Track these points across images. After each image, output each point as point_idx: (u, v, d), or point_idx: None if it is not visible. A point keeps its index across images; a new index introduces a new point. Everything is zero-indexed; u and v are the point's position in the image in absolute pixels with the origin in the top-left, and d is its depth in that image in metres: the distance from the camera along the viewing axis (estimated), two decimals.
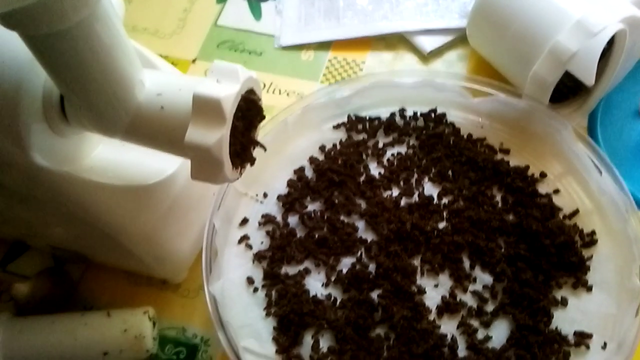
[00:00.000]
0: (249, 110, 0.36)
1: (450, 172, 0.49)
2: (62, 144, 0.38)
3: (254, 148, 0.38)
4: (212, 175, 0.34)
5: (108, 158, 0.41)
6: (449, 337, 0.41)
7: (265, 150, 0.38)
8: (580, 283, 0.43)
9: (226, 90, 0.33)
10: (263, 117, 0.37)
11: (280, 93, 0.58)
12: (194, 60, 0.61)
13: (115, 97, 0.34)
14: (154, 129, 0.35)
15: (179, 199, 0.42)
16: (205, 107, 0.33)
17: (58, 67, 0.32)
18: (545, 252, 0.43)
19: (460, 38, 0.59)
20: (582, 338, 0.41)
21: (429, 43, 0.59)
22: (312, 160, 0.51)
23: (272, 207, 0.48)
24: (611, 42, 0.47)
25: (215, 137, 0.33)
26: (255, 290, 0.44)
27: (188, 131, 0.33)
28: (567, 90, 0.52)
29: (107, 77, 0.33)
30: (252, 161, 0.38)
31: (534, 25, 0.48)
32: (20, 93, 0.34)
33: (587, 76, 0.46)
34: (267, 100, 0.57)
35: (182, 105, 0.34)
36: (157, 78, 0.36)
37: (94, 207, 0.39)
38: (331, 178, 0.49)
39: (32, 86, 0.35)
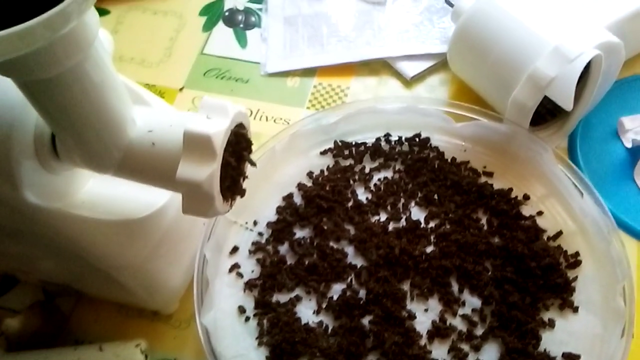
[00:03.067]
0: (239, 144, 0.37)
1: (436, 196, 0.50)
2: (53, 181, 0.38)
3: (243, 180, 0.39)
4: (203, 210, 0.35)
5: (99, 193, 0.41)
6: None
7: (255, 165, 0.39)
8: (567, 304, 0.44)
9: (216, 127, 0.34)
10: (251, 151, 0.38)
11: (267, 120, 0.59)
12: (181, 89, 0.62)
13: (107, 135, 0.34)
14: (146, 165, 0.36)
15: (169, 230, 0.43)
16: (196, 143, 0.33)
17: (50, 108, 0.32)
18: (532, 274, 0.44)
19: (441, 63, 0.61)
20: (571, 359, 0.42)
21: (411, 68, 0.60)
22: (301, 186, 0.51)
23: (262, 235, 0.49)
24: (588, 66, 0.49)
25: (206, 172, 0.33)
26: (247, 319, 0.45)
27: (179, 167, 0.33)
28: (546, 112, 0.54)
29: (99, 116, 0.33)
30: (242, 193, 0.39)
31: (513, 52, 0.49)
32: (12, 132, 0.35)
33: (566, 101, 0.47)
34: (254, 127, 0.58)
35: (173, 141, 0.34)
36: (148, 114, 0.36)
37: (85, 242, 0.39)
38: (320, 204, 0.49)
39: (24, 125, 0.35)
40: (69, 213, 0.38)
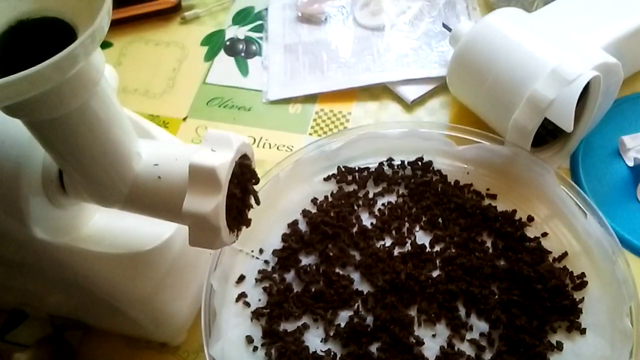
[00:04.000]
0: (243, 175, 0.37)
1: (440, 220, 0.50)
2: (60, 215, 0.39)
3: (248, 210, 0.39)
4: (210, 242, 0.35)
5: (105, 226, 0.41)
6: None
7: (259, 203, 0.39)
8: (574, 326, 0.44)
9: (221, 159, 0.34)
10: (257, 181, 0.38)
11: (270, 147, 0.60)
12: (184, 119, 0.62)
13: (114, 170, 0.35)
14: (152, 199, 0.36)
15: (176, 262, 0.43)
16: (201, 176, 0.34)
17: (57, 146, 0.33)
18: (538, 297, 0.44)
19: (441, 86, 0.61)
20: None
21: (411, 92, 0.61)
22: (305, 213, 0.51)
23: (268, 263, 0.49)
24: (587, 88, 0.49)
25: (212, 205, 0.34)
26: (255, 349, 0.45)
27: (185, 200, 0.34)
28: (547, 133, 0.54)
29: (105, 152, 0.34)
30: (248, 223, 0.39)
31: (511, 74, 0.50)
32: (20, 169, 0.35)
33: (566, 122, 0.48)
34: (258, 155, 0.58)
35: (178, 174, 0.35)
36: (153, 148, 0.37)
37: (92, 276, 0.40)
38: (325, 231, 0.49)
39: (32, 162, 0.36)
40: (77, 248, 0.39)
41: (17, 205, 0.36)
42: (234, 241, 0.38)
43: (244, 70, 0.66)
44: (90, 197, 0.37)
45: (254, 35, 0.69)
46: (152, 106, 0.64)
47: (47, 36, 0.30)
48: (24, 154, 0.35)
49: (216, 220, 0.34)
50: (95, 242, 0.40)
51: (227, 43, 0.68)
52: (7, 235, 0.38)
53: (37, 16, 0.30)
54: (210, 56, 0.67)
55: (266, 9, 0.71)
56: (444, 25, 0.62)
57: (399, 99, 0.62)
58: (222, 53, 0.68)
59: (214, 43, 0.69)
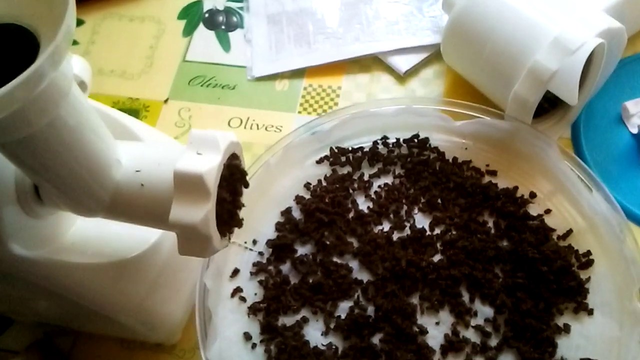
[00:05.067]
0: (233, 176, 0.35)
1: (439, 200, 0.48)
2: (37, 226, 0.37)
3: (239, 210, 0.37)
4: (200, 250, 0.33)
5: (87, 233, 0.39)
6: None
7: (248, 186, 0.37)
8: (581, 307, 0.42)
9: (208, 164, 0.32)
10: (247, 184, 0.36)
11: (258, 128, 0.57)
12: (165, 101, 0.59)
13: (92, 180, 0.32)
14: (136, 207, 0.34)
15: (166, 264, 0.41)
16: (187, 184, 0.31)
17: (28, 163, 0.30)
18: (544, 279, 0.43)
19: (435, 54, 0.58)
20: None
21: (404, 63, 0.58)
22: (299, 199, 0.49)
23: (263, 254, 0.47)
24: (590, 54, 0.47)
25: (201, 213, 0.31)
26: (254, 346, 0.43)
27: (172, 209, 0.31)
28: (547, 103, 0.52)
29: (81, 164, 0.31)
30: (240, 224, 0.37)
31: (510, 43, 0.47)
32: None
33: (570, 95, 0.45)
34: (245, 137, 0.56)
35: (162, 180, 0.32)
36: (134, 152, 0.34)
37: (78, 288, 0.38)
38: (320, 218, 0.47)
39: (3, 172, 0.33)
40: (58, 260, 0.36)
41: None
42: (226, 245, 0.36)
43: (225, 45, 0.62)
44: (69, 208, 0.35)
45: (234, 5, 0.65)
46: (131, 88, 0.60)
47: (6, 44, 0.27)
48: None
49: (206, 230, 0.32)
50: (78, 252, 0.37)
51: (206, 15, 0.65)
52: None
53: None
54: (188, 31, 0.64)
55: None
56: None
57: (391, 70, 0.59)
58: (201, 27, 0.64)
59: (192, 16, 0.65)
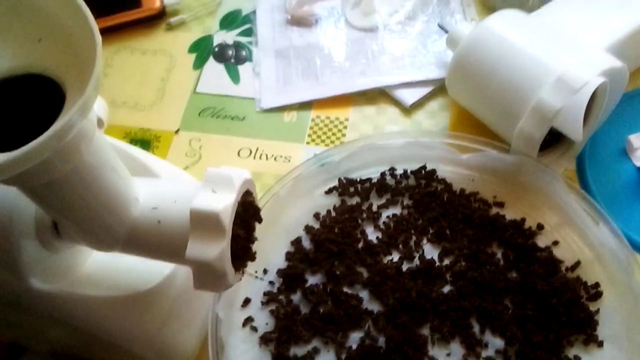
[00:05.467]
0: (246, 212, 0.36)
1: (448, 231, 0.49)
2: (54, 259, 0.37)
3: (252, 244, 0.37)
4: (215, 285, 0.34)
5: (102, 266, 0.40)
6: None
7: (261, 222, 0.38)
8: (591, 339, 0.43)
9: (223, 202, 0.33)
10: (261, 219, 0.37)
11: (267, 158, 0.58)
12: (177, 131, 0.60)
13: (111, 217, 0.33)
14: (152, 243, 0.34)
15: (179, 295, 0.41)
16: (203, 221, 0.32)
17: (50, 204, 0.31)
18: (553, 311, 0.43)
19: (439, 88, 0.60)
20: None
21: (409, 96, 0.59)
22: (308, 229, 0.50)
23: (273, 284, 0.48)
24: (593, 92, 0.47)
25: (216, 250, 0.32)
26: None
27: (188, 246, 0.32)
28: (552, 136, 0.53)
29: (101, 202, 0.32)
30: (253, 258, 0.38)
31: (514, 81, 0.48)
32: (12, 220, 0.34)
33: (574, 132, 0.46)
34: (255, 167, 0.57)
35: (179, 218, 0.33)
36: (151, 189, 0.35)
37: (93, 320, 0.38)
38: (330, 248, 0.48)
39: (25, 208, 0.34)
40: (75, 294, 0.37)
41: (10, 256, 0.34)
42: (240, 279, 0.36)
43: (235, 77, 0.64)
44: (87, 243, 0.35)
45: (243, 39, 0.67)
46: (143, 119, 0.61)
47: (32, 94, 0.28)
48: (15, 203, 0.34)
49: (221, 266, 0.33)
50: (93, 285, 0.38)
51: (216, 49, 0.66)
52: (1, 286, 0.36)
53: (20, 73, 0.28)
54: (199, 64, 0.65)
55: (254, 12, 0.68)
56: (440, 26, 0.60)
57: (397, 103, 0.60)
58: (211, 60, 0.65)
59: (202, 49, 0.66)
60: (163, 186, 0.36)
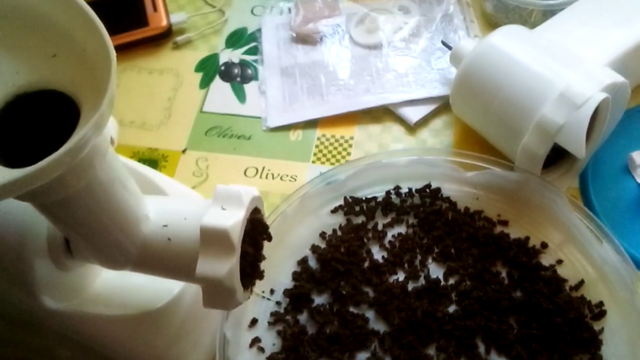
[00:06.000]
0: (255, 229, 0.36)
1: (452, 250, 0.49)
2: (66, 278, 0.38)
3: (261, 262, 0.38)
4: (224, 303, 0.34)
5: (113, 284, 0.40)
6: None
7: (270, 240, 0.38)
8: (596, 359, 0.43)
9: (232, 219, 0.33)
10: (270, 237, 0.37)
11: (273, 177, 0.58)
12: (184, 151, 0.61)
13: (122, 235, 0.34)
14: (163, 261, 0.35)
15: (188, 314, 0.42)
16: (213, 238, 0.33)
17: (63, 221, 0.31)
18: (558, 330, 0.43)
19: (443, 105, 0.60)
20: None
21: (413, 114, 0.60)
22: (315, 249, 0.50)
23: (280, 304, 0.48)
24: (595, 107, 0.48)
25: (226, 267, 0.33)
26: None
27: (198, 263, 0.33)
28: (555, 153, 0.53)
29: (113, 220, 0.33)
30: (261, 276, 0.38)
31: (518, 97, 0.49)
32: (25, 240, 0.34)
33: (577, 148, 0.46)
34: (261, 186, 0.58)
35: (189, 236, 0.34)
36: (161, 207, 0.36)
37: (103, 338, 0.39)
38: (336, 268, 0.48)
39: (36, 231, 0.35)
40: (85, 312, 0.38)
41: (23, 275, 0.35)
42: (248, 297, 0.37)
43: (241, 96, 0.65)
44: (98, 261, 0.36)
45: (249, 58, 0.67)
46: (150, 139, 0.62)
47: (47, 110, 0.29)
48: (28, 222, 0.34)
49: (231, 283, 0.33)
50: (103, 304, 0.38)
51: (222, 68, 0.67)
52: (13, 304, 0.36)
53: (35, 89, 0.29)
54: (205, 83, 0.66)
55: (259, 30, 0.69)
56: (444, 43, 0.61)
57: (402, 121, 0.60)
58: (217, 79, 0.66)
59: (209, 69, 0.67)
60: (173, 204, 0.36)
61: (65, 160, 0.25)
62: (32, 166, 0.24)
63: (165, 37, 0.69)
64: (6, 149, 0.27)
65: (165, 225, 0.35)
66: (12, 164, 0.26)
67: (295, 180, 0.58)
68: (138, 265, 0.35)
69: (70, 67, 0.29)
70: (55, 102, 0.29)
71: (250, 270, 0.36)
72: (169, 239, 0.34)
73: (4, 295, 0.36)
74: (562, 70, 0.48)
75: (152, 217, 0.35)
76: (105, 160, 0.30)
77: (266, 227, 0.37)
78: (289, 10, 0.70)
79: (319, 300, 0.48)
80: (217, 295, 0.33)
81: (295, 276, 0.49)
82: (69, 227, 0.32)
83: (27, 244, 0.34)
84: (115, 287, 0.40)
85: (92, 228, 0.32)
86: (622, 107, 0.52)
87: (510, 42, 0.52)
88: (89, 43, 0.27)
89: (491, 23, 0.65)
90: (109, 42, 0.27)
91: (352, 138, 0.60)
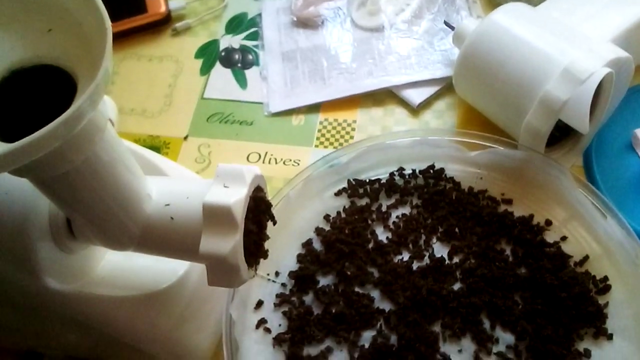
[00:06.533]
0: (258, 207, 0.36)
1: (457, 230, 0.49)
2: (70, 260, 0.38)
3: (264, 241, 0.38)
4: (229, 281, 0.34)
5: (117, 266, 0.40)
6: None
7: (275, 223, 0.38)
8: (601, 332, 0.43)
9: (235, 196, 0.33)
10: (273, 216, 0.37)
11: (276, 162, 0.58)
12: (185, 137, 0.61)
13: (124, 215, 0.34)
14: (166, 240, 0.35)
15: (193, 295, 0.42)
16: (216, 215, 0.33)
17: (64, 198, 0.31)
18: (563, 305, 0.43)
19: (446, 87, 0.60)
20: None
21: (416, 96, 0.60)
22: (319, 231, 0.50)
23: (286, 286, 0.48)
24: (599, 83, 0.48)
25: (230, 244, 0.32)
26: None
27: (202, 241, 0.33)
28: (559, 132, 0.53)
29: (115, 199, 0.33)
30: (265, 255, 0.38)
31: (521, 74, 0.49)
32: (26, 220, 0.34)
33: (581, 124, 0.46)
34: (264, 171, 0.56)
35: (191, 213, 0.34)
36: (163, 187, 0.36)
37: (109, 320, 0.39)
38: (340, 249, 0.48)
39: (38, 211, 0.35)
40: (90, 294, 0.37)
41: (26, 256, 0.35)
42: (253, 276, 0.37)
43: (242, 82, 0.64)
44: (101, 242, 0.36)
45: (249, 43, 0.67)
46: (151, 126, 0.62)
47: (44, 85, 0.29)
48: (29, 204, 0.34)
49: (235, 260, 0.33)
50: (108, 285, 0.38)
51: (223, 54, 0.67)
52: (17, 286, 0.36)
53: (31, 64, 0.29)
54: (206, 69, 0.66)
55: (259, 15, 0.69)
56: (446, 24, 0.60)
57: (405, 103, 0.60)
58: (218, 65, 0.66)
59: (209, 55, 0.67)
60: (175, 183, 0.36)
61: (61, 132, 0.25)
62: (27, 137, 0.24)
63: (164, 23, 0.69)
64: (4, 124, 0.27)
65: (168, 205, 0.34)
66: (11, 140, 0.26)
67: (299, 164, 0.58)
68: (141, 245, 0.35)
69: (66, 41, 0.28)
70: (52, 77, 0.29)
71: (254, 249, 0.36)
72: (172, 217, 0.34)
73: (8, 277, 0.36)
74: (565, 47, 0.48)
75: (154, 197, 0.35)
76: (103, 136, 0.30)
77: (269, 204, 0.37)
78: None
79: (324, 281, 0.48)
80: (222, 272, 0.33)
81: (300, 258, 0.49)
82: (70, 206, 0.32)
83: (29, 226, 0.34)
84: (119, 269, 0.40)
85: (93, 207, 0.32)
86: (626, 83, 0.52)
87: (512, 19, 0.52)
88: (85, 17, 0.27)
89: (493, 2, 0.65)
90: (104, 13, 0.27)
91: (354, 121, 0.60)
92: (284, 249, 0.50)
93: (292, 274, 0.48)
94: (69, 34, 0.28)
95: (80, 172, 0.30)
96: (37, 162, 0.26)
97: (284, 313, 0.46)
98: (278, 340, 0.45)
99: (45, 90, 0.29)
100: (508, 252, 0.48)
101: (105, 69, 0.26)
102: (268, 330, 0.46)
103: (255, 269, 0.37)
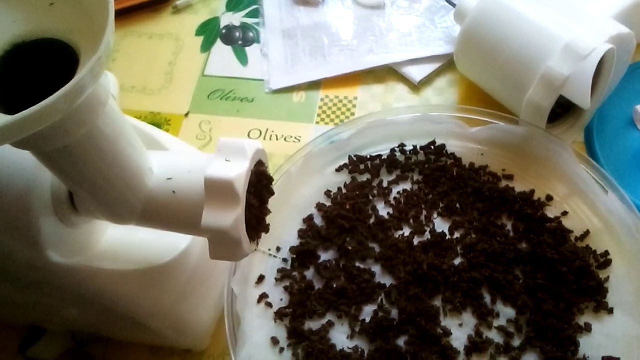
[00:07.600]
0: (260, 182, 0.36)
1: (458, 205, 0.49)
2: (73, 235, 0.38)
3: (266, 216, 0.38)
4: (231, 254, 0.34)
5: (120, 241, 0.40)
6: None
7: (273, 194, 0.38)
8: (602, 307, 0.43)
9: (237, 170, 0.33)
10: (273, 191, 0.37)
11: (277, 139, 0.58)
12: (186, 114, 0.61)
13: (127, 189, 0.34)
14: (168, 214, 0.35)
15: (195, 270, 0.42)
16: (218, 189, 0.33)
17: (66, 172, 0.31)
18: (563, 280, 0.44)
19: (448, 64, 0.60)
20: None
21: (418, 73, 0.59)
22: (320, 207, 0.50)
23: (287, 261, 0.48)
24: (601, 60, 0.48)
25: (232, 218, 0.33)
26: (282, 350, 0.44)
27: (204, 215, 0.33)
28: (560, 108, 0.53)
29: (116, 172, 0.33)
30: (267, 230, 0.38)
31: (523, 51, 0.48)
32: (29, 194, 0.34)
33: (583, 99, 0.46)
34: (265, 148, 0.56)
35: (194, 188, 0.34)
36: (165, 161, 0.36)
37: (111, 293, 0.39)
38: (341, 225, 0.49)
39: (40, 185, 0.35)
40: (93, 267, 0.38)
41: (29, 230, 0.35)
42: (255, 250, 0.37)
43: (243, 59, 0.64)
44: (103, 216, 0.36)
45: (250, 21, 0.67)
46: (152, 103, 0.62)
47: (46, 59, 0.29)
48: (31, 177, 0.34)
49: (237, 234, 0.33)
50: (111, 259, 0.39)
51: (223, 31, 0.66)
52: (21, 260, 0.37)
53: (33, 38, 0.29)
54: (207, 47, 0.65)
55: None
56: (448, 1, 0.60)
57: (406, 80, 0.60)
58: (218, 42, 0.66)
59: (210, 32, 0.67)
60: (177, 158, 0.36)
61: (62, 105, 0.25)
62: (30, 109, 0.24)
63: (165, 1, 0.69)
64: (7, 98, 0.27)
65: (170, 179, 0.35)
66: (14, 112, 0.26)
67: (299, 141, 0.58)
68: (143, 219, 0.35)
69: (69, 15, 0.28)
70: (54, 51, 0.28)
71: (256, 223, 0.36)
72: (174, 191, 0.34)
73: (11, 251, 0.36)
74: (567, 23, 0.48)
75: (156, 171, 0.35)
76: (105, 110, 0.30)
77: (271, 179, 0.37)
78: None
79: (325, 256, 0.48)
80: (224, 246, 0.34)
81: (301, 234, 0.49)
82: (73, 180, 0.32)
83: (32, 200, 0.34)
84: (122, 243, 0.40)
85: (96, 180, 0.32)
86: (627, 59, 0.51)
87: None
88: None
89: None
90: None
91: (355, 98, 0.60)
92: (285, 224, 0.50)
93: (293, 250, 0.48)
94: (71, 8, 0.28)
95: (83, 146, 0.30)
96: (39, 134, 0.26)
97: (286, 288, 0.47)
98: (279, 315, 0.45)
99: (48, 64, 0.29)
100: (509, 227, 0.48)
101: (107, 42, 0.26)
102: (269, 305, 0.46)
103: (257, 243, 0.37)
